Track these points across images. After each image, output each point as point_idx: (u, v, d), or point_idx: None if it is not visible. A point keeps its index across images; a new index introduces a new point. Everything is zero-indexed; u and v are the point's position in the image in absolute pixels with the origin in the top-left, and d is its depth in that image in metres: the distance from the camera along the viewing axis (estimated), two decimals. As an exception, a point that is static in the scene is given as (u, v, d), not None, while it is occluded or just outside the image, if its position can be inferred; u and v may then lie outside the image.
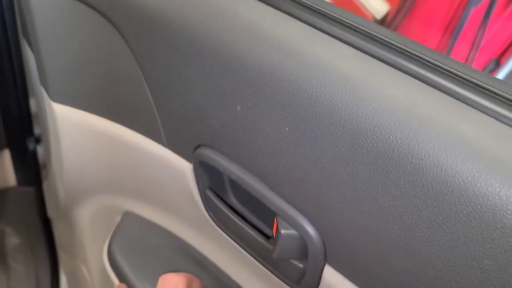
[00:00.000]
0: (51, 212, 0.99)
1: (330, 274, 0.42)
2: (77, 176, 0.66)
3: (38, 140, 1.02)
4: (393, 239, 0.35)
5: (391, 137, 0.32)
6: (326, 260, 0.42)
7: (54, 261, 1.04)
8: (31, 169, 1.03)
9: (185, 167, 0.52)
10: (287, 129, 0.38)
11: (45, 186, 1.01)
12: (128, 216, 0.67)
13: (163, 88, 0.49)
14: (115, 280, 0.66)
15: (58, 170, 0.67)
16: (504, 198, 0.28)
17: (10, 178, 1.06)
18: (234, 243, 0.51)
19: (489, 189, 0.29)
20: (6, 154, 1.03)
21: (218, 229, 0.52)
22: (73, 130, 0.60)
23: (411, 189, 0.32)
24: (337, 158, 0.36)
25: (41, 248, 1.05)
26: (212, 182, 0.50)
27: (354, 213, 0.37)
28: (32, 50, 0.62)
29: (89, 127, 0.59)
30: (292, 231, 0.42)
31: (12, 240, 1.06)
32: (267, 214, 0.46)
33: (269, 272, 0.49)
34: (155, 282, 0.59)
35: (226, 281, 0.59)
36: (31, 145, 1.01)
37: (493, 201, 0.28)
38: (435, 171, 0.30)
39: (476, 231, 0.30)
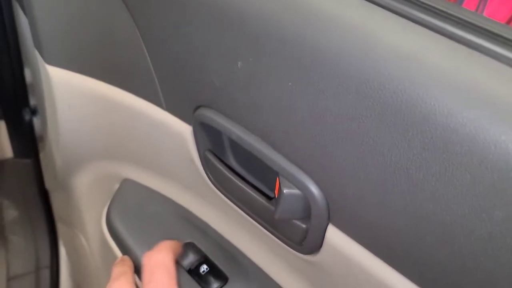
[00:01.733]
0: (48, 183, 0.98)
1: (333, 234, 0.41)
2: (74, 143, 0.65)
3: (34, 112, 1.01)
4: (400, 195, 0.34)
5: (399, 87, 0.31)
6: (329, 219, 0.41)
7: (53, 233, 1.04)
8: (28, 140, 1.02)
9: (185, 129, 0.50)
10: (290, 83, 0.37)
11: (42, 157, 1.00)
12: (126, 183, 0.66)
13: (160, 47, 0.47)
14: (115, 248, 0.65)
15: (55, 137, 0.66)
16: None
17: (7, 150, 1.05)
18: (235, 207, 0.51)
19: (502, 137, 0.27)
20: (2, 125, 1.02)
21: (219, 192, 0.51)
22: (69, 94, 0.58)
23: (419, 141, 0.31)
24: (342, 112, 0.34)
25: (40, 220, 1.04)
26: (212, 143, 0.49)
27: (359, 169, 0.35)
28: (25, 13, 0.60)
29: (85, 90, 0.58)
30: (295, 190, 0.41)
31: (10, 212, 1.05)
32: (269, 175, 0.45)
33: (271, 235, 0.48)
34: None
35: (228, 246, 0.58)
36: (27, 116, 0.99)
37: (506, 149, 0.27)
38: (445, 120, 0.29)
39: (487, 181, 0.29)
